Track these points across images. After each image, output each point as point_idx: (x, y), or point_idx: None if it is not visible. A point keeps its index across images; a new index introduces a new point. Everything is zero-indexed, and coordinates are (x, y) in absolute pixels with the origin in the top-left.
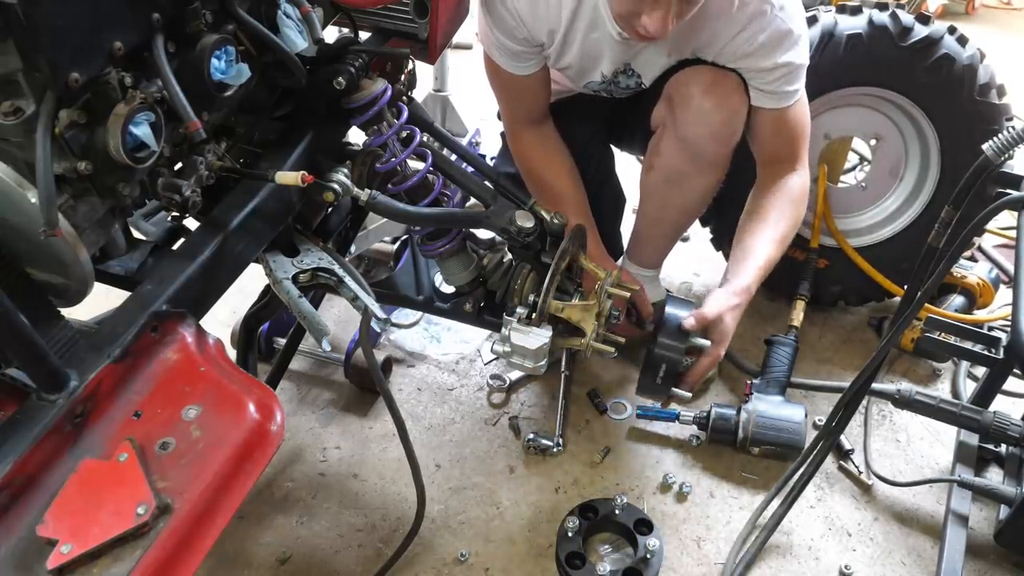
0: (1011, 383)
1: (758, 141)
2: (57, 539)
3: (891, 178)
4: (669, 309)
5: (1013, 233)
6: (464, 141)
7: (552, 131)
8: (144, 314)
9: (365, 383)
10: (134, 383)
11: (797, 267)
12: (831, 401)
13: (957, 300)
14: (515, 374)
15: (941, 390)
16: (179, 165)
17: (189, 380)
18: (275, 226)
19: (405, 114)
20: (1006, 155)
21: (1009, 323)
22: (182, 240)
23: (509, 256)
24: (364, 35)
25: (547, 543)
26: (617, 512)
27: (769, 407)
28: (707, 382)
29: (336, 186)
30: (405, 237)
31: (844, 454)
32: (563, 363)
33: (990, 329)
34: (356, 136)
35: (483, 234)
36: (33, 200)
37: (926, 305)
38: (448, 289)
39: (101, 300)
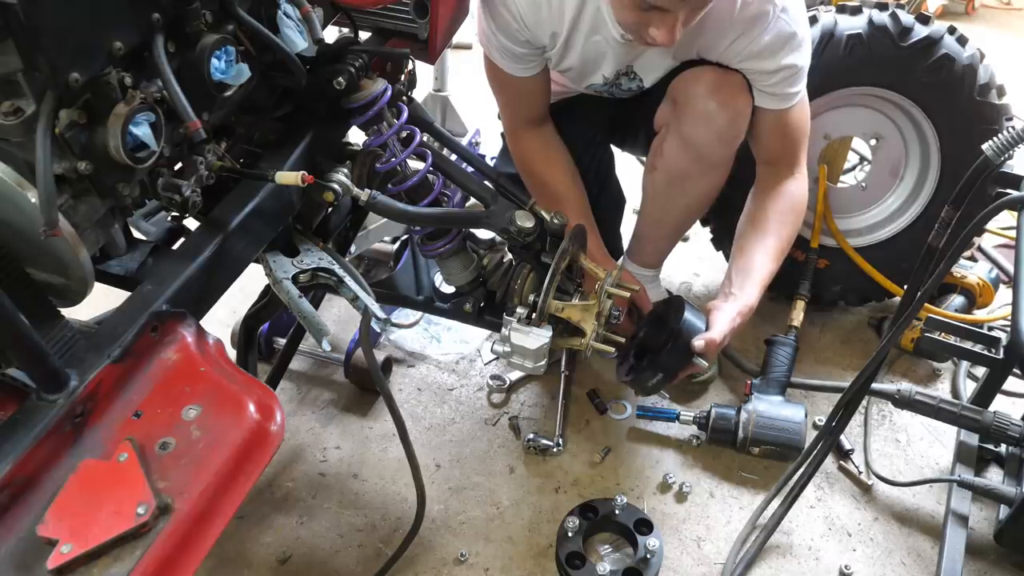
0: (1011, 383)
1: (758, 141)
2: (57, 539)
3: (891, 178)
4: (688, 317)
5: (1013, 233)
6: (464, 141)
7: (552, 132)
8: (144, 314)
9: (365, 383)
10: (134, 383)
11: (797, 267)
12: (831, 401)
13: (957, 300)
14: (515, 374)
15: (941, 390)
16: (179, 165)
17: (189, 380)
18: (275, 226)
19: (405, 114)
20: (1006, 155)
21: (1009, 323)
22: (182, 240)
23: (509, 256)
24: (364, 35)
25: (547, 543)
26: (617, 512)
27: (769, 407)
28: (707, 382)
29: (336, 186)
30: (405, 237)
31: (844, 454)
32: (563, 363)
33: (990, 329)
34: (356, 136)
35: (483, 234)
36: (33, 200)
37: (926, 305)
38: (448, 289)
39: (101, 300)
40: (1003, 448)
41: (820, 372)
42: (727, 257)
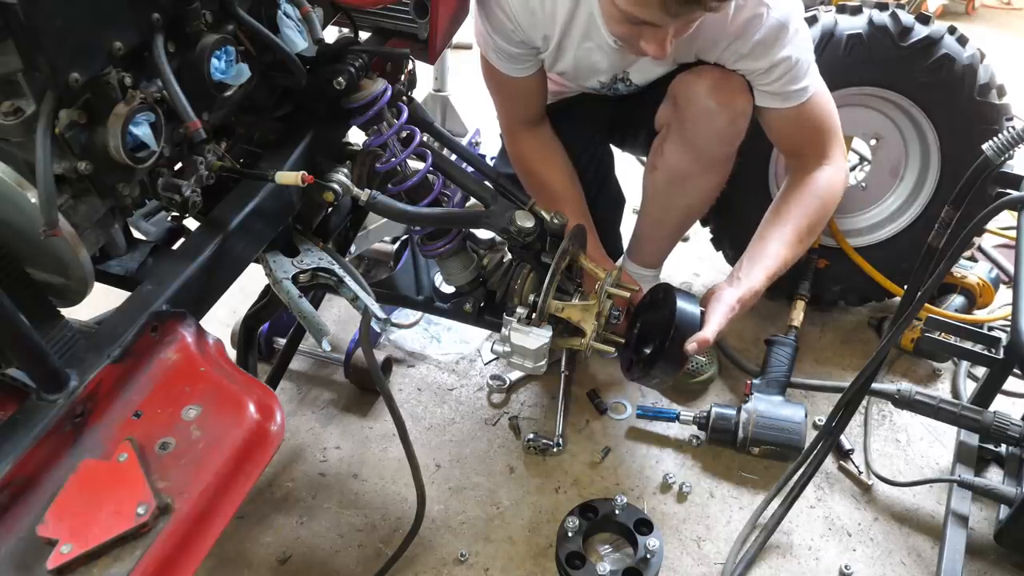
0: (1011, 383)
1: (774, 136)
2: (57, 539)
3: (891, 178)
4: (682, 307)
5: (1013, 233)
6: (464, 141)
7: (549, 132)
8: (144, 314)
9: (365, 383)
10: (134, 383)
11: (797, 267)
12: (831, 401)
13: (957, 300)
14: (515, 374)
15: (941, 390)
16: (179, 165)
17: (189, 380)
18: (275, 226)
19: (405, 114)
20: (1006, 155)
21: (1009, 323)
22: (182, 240)
23: (509, 256)
24: (364, 35)
25: (547, 543)
26: (617, 512)
27: (769, 407)
28: (707, 382)
29: (336, 186)
30: (405, 237)
31: (844, 454)
32: (563, 363)
33: (990, 329)
34: (356, 136)
35: (483, 234)
36: (33, 200)
37: (926, 305)
38: (448, 289)
39: (101, 300)
40: (1003, 448)
41: (820, 372)
42: (727, 257)
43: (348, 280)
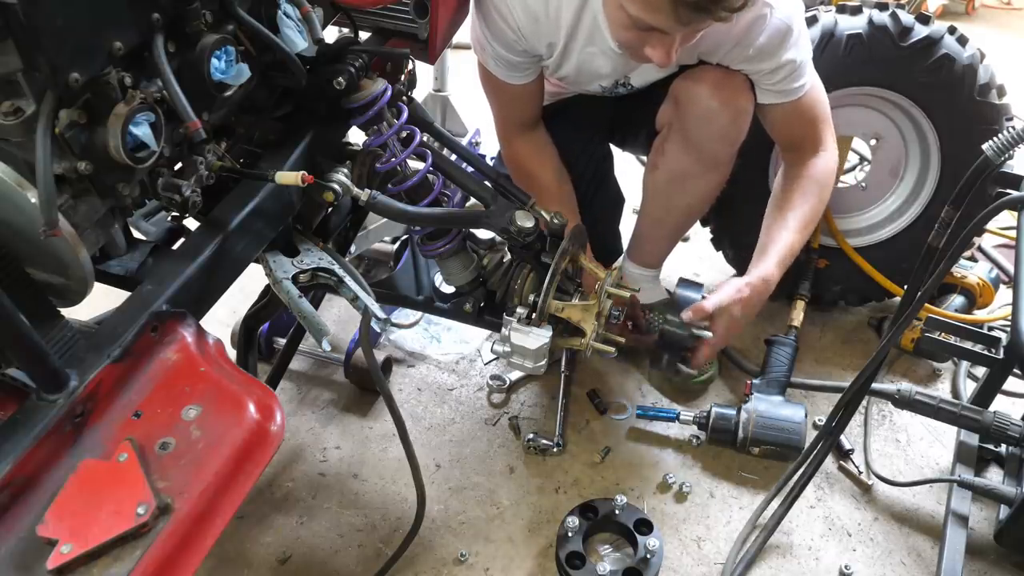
0: (1011, 383)
1: (774, 131)
2: (57, 539)
3: (891, 178)
4: (679, 291)
5: (1013, 233)
6: (464, 141)
7: (544, 136)
8: (144, 314)
9: (365, 383)
10: (134, 383)
11: (797, 267)
12: (831, 401)
13: (957, 300)
14: (515, 374)
15: (941, 390)
16: (179, 165)
17: (189, 380)
18: (275, 226)
19: (405, 114)
20: (1006, 155)
21: (1009, 323)
22: (182, 240)
23: (509, 256)
24: (364, 35)
25: (547, 543)
26: (617, 512)
27: (769, 407)
28: (707, 382)
29: (336, 186)
30: (405, 237)
31: (844, 454)
32: (563, 363)
33: (990, 329)
34: (356, 136)
35: (483, 234)
36: (33, 200)
37: (926, 305)
38: (448, 289)
39: (101, 300)
40: (1003, 448)
41: (820, 372)
42: (727, 257)
43: (348, 280)
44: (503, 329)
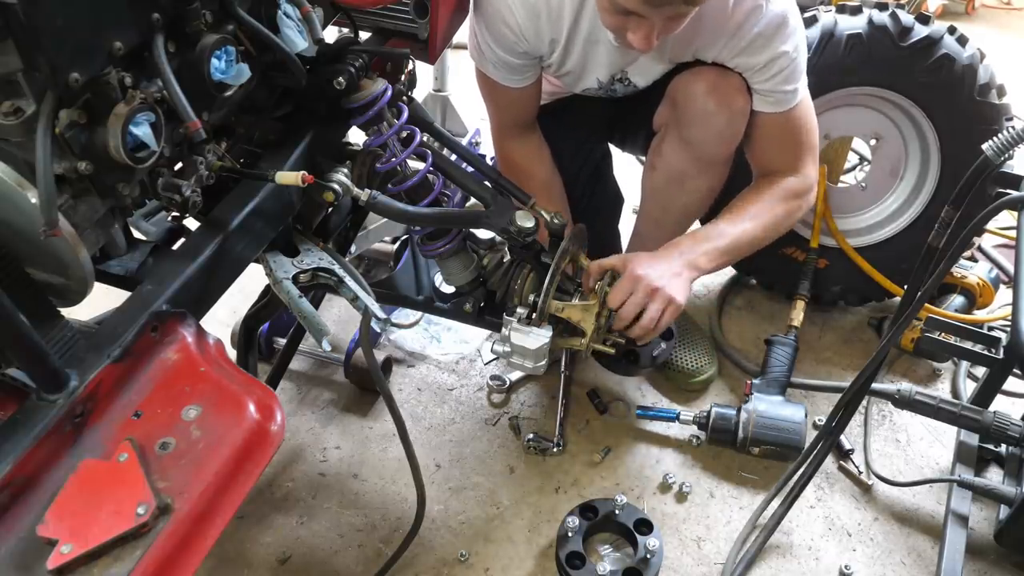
0: (1011, 383)
1: (755, 149)
2: (57, 539)
3: (891, 178)
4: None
5: (1013, 233)
6: (464, 141)
7: (539, 138)
8: (144, 314)
9: (365, 383)
10: (134, 383)
11: (797, 267)
12: (831, 401)
13: (957, 300)
14: (515, 374)
15: (941, 390)
16: (179, 165)
17: (189, 380)
18: (275, 226)
19: (405, 114)
20: (1006, 155)
21: (1009, 323)
22: (182, 240)
23: (509, 256)
24: (364, 35)
25: (547, 543)
26: (617, 512)
27: (769, 407)
28: (707, 382)
29: (336, 186)
30: (405, 237)
31: (844, 454)
32: (563, 363)
33: (990, 329)
34: (356, 136)
35: (483, 234)
36: (33, 200)
37: (926, 305)
38: (448, 289)
39: (101, 300)
40: (1003, 448)
41: (820, 372)
42: None
43: (348, 280)
44: (503, 329)
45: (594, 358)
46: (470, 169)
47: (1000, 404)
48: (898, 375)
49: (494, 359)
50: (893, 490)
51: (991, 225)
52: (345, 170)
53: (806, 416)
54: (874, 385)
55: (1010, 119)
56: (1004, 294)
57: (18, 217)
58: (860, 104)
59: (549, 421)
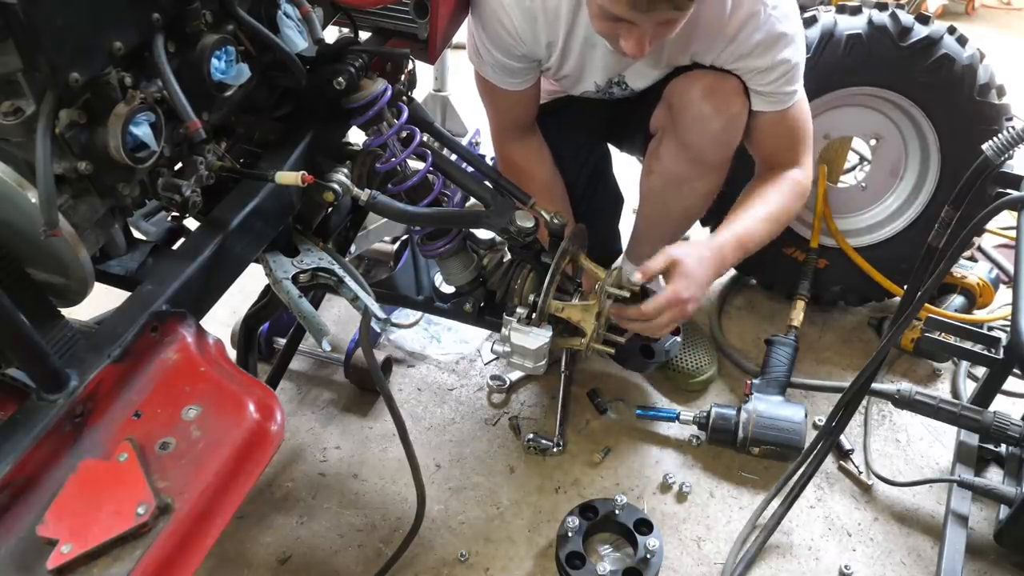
0: (1011, 383)
1: (757, 144)
2: (57, 539)
3: (891, 178)
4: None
5: (1013, 233)
6: (464, 141)
7: (538, 140)
8: (144, 314)
9: (365, 383)
10: (134, 383)
11: (797, 267)
12: (831, 401)
13: (957, 300)
14: (515, 374)
15: (941, 390)
16: (179, 165)
17: (189, 380)
18: (275, 226)
19: (405, 114)
20: (1006, 155)
21: (1009, 323)
22: (182, 240)
23: (509, 256)
24: (364, 35)
25: (547, 543)
26: (617, 512)
27: (769, 407)
28: (707, 382)
29: (336, 186)
30: (405, 237)
31: (844, 454)
32: (563, 363)
33: (990, 329)
34: (356, 136)
35: (483, 234)
36: (33, 200)
37: (926, 305)
38: (448, 289)
39: (101, 300)
40: (1003, 448)
41: (820, 372)
42: None
43: (348, 280)
44: (503, 329)
45: (607, 355)
46: (470, 169)
47: (1000, 404)
48: (898, 375)
49: (494, 359)
50: (893, 490)
51: (991, 225)
52: (345, 170)
53: (806, 416)
54: (874, 385)
55: (1010, 119)
56: (1004, 294)
57: (18, 217)
58: (860, 104)
59: (549, 421)
